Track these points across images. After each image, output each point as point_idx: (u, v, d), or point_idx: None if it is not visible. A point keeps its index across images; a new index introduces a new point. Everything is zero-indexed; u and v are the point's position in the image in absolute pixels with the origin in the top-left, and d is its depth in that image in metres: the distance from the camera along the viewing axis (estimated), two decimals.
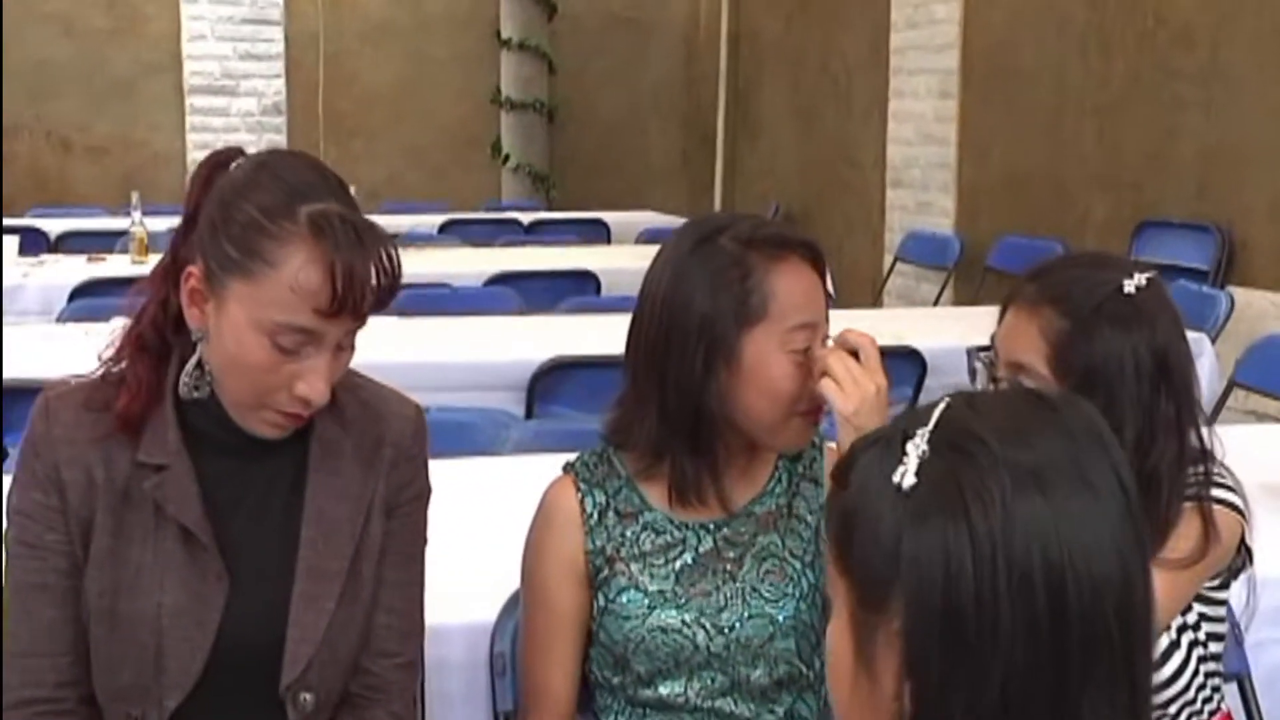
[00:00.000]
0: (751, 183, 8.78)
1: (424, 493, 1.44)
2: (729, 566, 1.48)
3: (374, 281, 1.25)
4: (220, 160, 1.32)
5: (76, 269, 4.87)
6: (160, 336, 1.33)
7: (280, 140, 8.98)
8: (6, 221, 6.15)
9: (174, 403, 1.32)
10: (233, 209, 1.26)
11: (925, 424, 0.83)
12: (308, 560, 1.34)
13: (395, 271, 1.27)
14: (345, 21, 9.05)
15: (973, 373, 1.54)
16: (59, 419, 1.31)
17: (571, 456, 1.57)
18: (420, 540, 1.44)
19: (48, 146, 8.88)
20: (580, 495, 1.50)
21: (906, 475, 0.81)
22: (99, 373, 1.35)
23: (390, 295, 1.27)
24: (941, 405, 0.85)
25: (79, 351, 3.19)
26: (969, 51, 6.12)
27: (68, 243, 6.04)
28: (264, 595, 1.33)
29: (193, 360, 1.31)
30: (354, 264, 1.23)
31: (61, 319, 4.01)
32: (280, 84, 8.94)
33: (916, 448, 0.82)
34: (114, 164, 8.70)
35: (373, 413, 1.40)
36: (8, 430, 2.83)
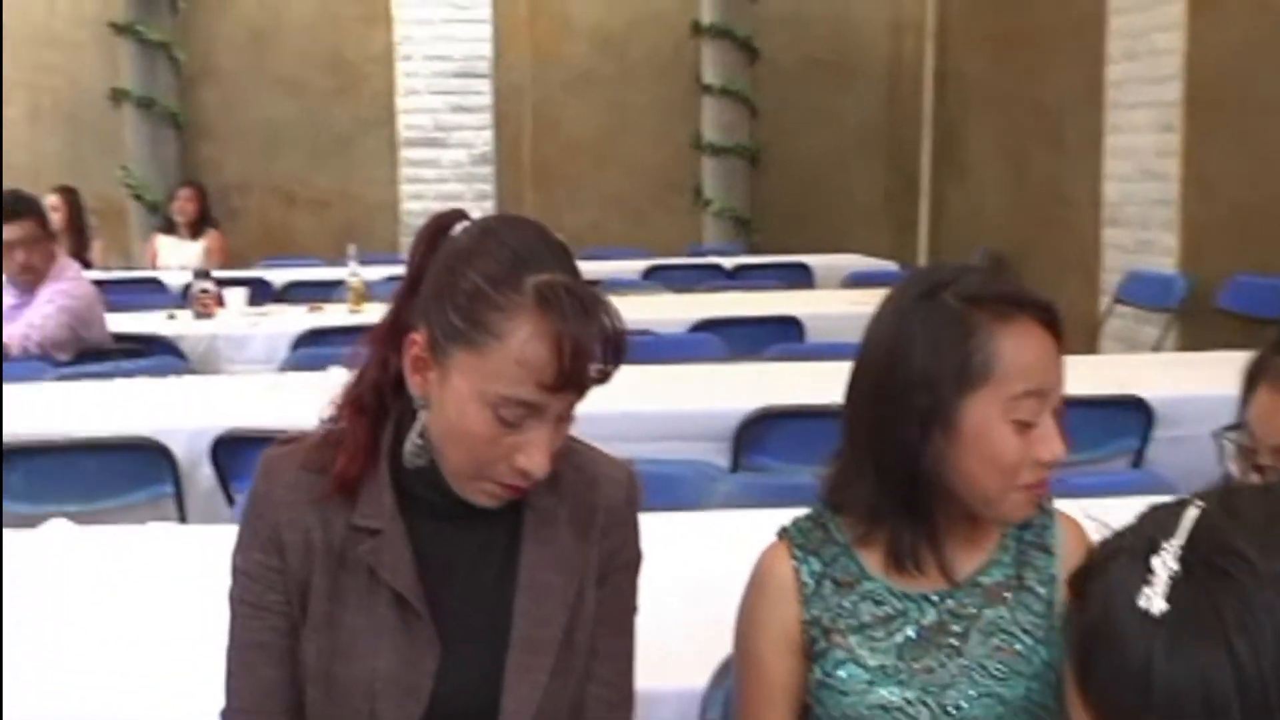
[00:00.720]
0: (958, 224, 8.56)
1: (635, 560, 1.41)
2: (954, 641, 1.40)
3: (599, 354, 1.22)
4: (443, 224, 1.32)
5: (298, 318, 5.08)
6: (379, 398, 1.33)
7: (488, 189, 9.23)
8: (237, 274, 6.48)
9: (390, 465, 1.32)
10: (457, 276, 1.25)
11: (1173, 534, 0.73)
12: (521, 630, 1.31)
13: (620, 343, 1.24)
14: (551, 72, 9.26)
15: (1221, 454, 1.40)
16: (280, 480, 1.33)
17: (784, 515, 1.51)
18: (631, 609, 1.41)
19: (274, 201, 9.35)
20: (795, 563, 1.44)
21: (1155, 599, 0.72)
22: (319, 433, 1.36)
23: (615, 367, 1.24)
24: (1193, 512, 0.75)
25: (299, 401, 3.30)
26: (1193, 82, 5.82)
27: (291, 293, 6.31)
28: (476, 664, 1.31)
29: (415, 429, 1.30)
30: (580, 337, 1.20)
31: (284, 367, 4.17)
32: (489, 135, 9.19)
33: (1165, 565, 0.73)
34: (333, 216, 9.10)
35: (586, 478, 1.38)
36: (234, 477, 2.95)
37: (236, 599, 1.33)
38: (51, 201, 7.09)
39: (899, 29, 9.53)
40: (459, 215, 1.32)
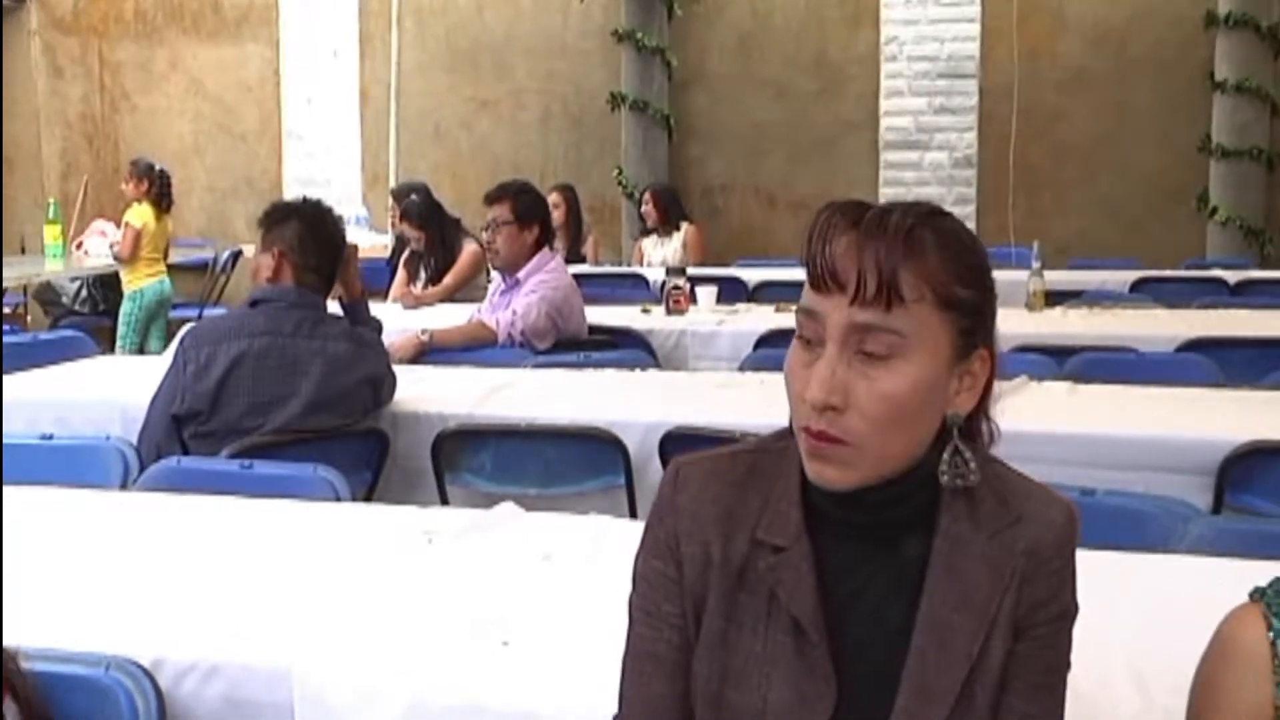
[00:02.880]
0: None
1: (1066, 613, 1.23)
2: None
3: (864, 261, 1.16)
4: None
5: (764, 318, 5.11)
6: None
7: (969, 193, 8.94)
8: (710, 271, 6.66)
9: (800, 481, 1.25)
10: None
11: None
12: (914, 674, 1.19)
13: (889, 263, 1.15)
14: (1043, 72, 8.82)
15: None
16: (685, 488, 1.29)
17: (1269, 571, 1.29)
18: (1059, 666, 1.24)
19: (755, 202, 9.56)
20: (1272, 634, 1.21)
21: None
22: (737, 445, 1.32)
23: (879, 283, 1.15)
24: None
25: (747, 401, 3.29)
26: None
27: (762, 293, 6.39)
28: (871, 707, 1.20)
29: None
30: (834, 231, 1.17)
31: (742, 366, 4.20)
32: (972, 137, 8.90)
33: None
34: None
35: (1010, 513, 1.22)
36: None
37: (635, 605, 1.30)
38: (552, 199, 7.63)
39: None
40: None
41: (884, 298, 1.15)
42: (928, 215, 1.20)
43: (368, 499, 2.98)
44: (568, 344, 4.38)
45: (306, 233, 3.07)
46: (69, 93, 10.32)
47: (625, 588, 1.32)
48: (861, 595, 1.23)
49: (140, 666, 1.61)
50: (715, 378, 3.84)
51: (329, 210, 3.20)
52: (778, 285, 6.44)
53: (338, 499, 2.52)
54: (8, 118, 10.01)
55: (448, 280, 5.84)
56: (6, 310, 8.79)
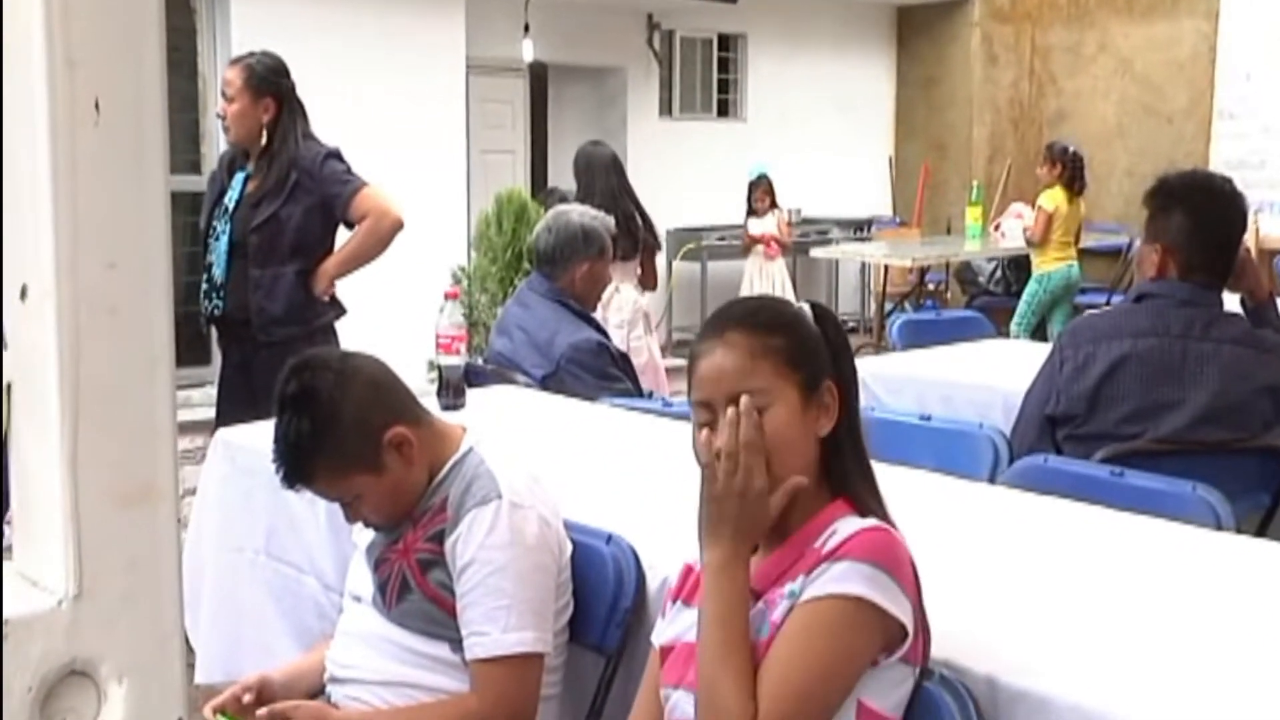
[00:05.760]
0: None
1: None
2: None
3: None
4: None
5: None
6: None
7: None
8: None
9: None
10: None
11: None
12: None
13: None
14: None
15: None
16: None
17: None
18: None
19: None
20: None
21: None
22: None
23: None
24: None
25: None
26: None
27: None
28: None
29: None
30: None
31: None
32: None
33: None
34: None
35: None
36: None
37: None
38: None
39: None
40: None
41: None
42: None
43: (1261, 530, 2.61)
44: None
45: (1194, 225, 2.76)
46: (1000, 79, 10.63)
47: None
48: None
49: (966, 687, 1.53)
50: None
51: (1223, 191, 2.82)
52: None
53: (1218, 526, 2.23)
54: (946, 104, 10.62)
55: None
56: (930, 287, 9.40)
